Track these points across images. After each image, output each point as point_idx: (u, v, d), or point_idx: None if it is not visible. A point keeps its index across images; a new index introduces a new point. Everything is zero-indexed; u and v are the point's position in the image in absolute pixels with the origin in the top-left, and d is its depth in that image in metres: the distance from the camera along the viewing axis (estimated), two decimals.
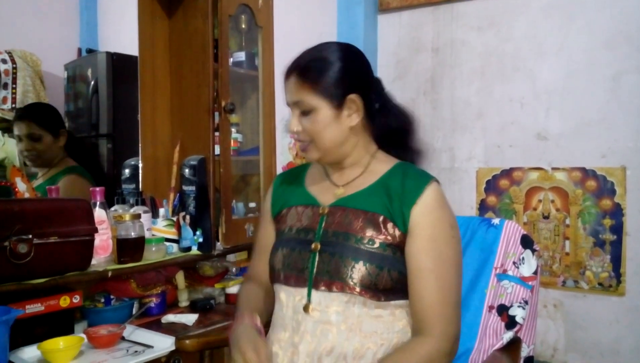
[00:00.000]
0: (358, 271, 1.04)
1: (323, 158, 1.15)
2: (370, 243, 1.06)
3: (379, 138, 1.20)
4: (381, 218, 1.08)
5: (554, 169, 2.53)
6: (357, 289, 1.04)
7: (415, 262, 1.06)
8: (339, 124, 1.12)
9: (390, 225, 1.08)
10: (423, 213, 1.06)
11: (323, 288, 1.06)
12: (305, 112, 1.11)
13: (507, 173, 2.66)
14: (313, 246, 1.10)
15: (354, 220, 1.10)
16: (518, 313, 1.40)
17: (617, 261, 2.35)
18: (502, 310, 1.41)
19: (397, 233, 1.07)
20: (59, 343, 1.27)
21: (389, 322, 1.07)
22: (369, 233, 1.07)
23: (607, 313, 2.38)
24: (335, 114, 1.10)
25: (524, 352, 1.42)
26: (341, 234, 1.09)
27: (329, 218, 1.12)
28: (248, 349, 1.03)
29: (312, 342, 1.05)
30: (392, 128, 1.19)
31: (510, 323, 1.39)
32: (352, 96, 1.11)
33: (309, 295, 1.08)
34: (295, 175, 1.28)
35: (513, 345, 1.38)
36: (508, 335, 1.38)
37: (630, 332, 2.34)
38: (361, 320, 1.05)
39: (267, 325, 1.18)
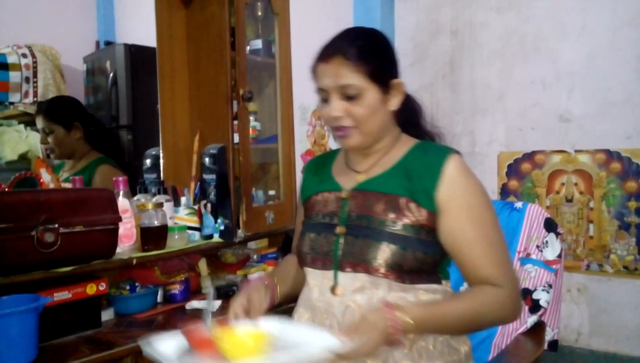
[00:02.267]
0: (382, 252, 1.05)
1: (363, 144, 1.13)
2: (393, 224, 1.07)
3: (399, 120, 1.20)
4: (403, 201, 1.08)
5: (577, 151, 2.49)
6: (382, 270, 1.05)
7: (460, 235, 1.06)
8: (385, 109, 1.12)
9: (413, 206, 1.07)
10: (450, 187, 1.06)
11: (348, 269, 1.08)
12: (351, 97, 1.07)
13: (529, 156, 2.61)
14: (338, 229, 1.12)
15: (375, 203, 1.10)
16: (542, 297, 1.39)
17: None
18: (526, 294, 1.40)
19: (423, 212, 1.07)
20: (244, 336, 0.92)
21: (413, 301, 1.07)
22: (392, 215, 1.08)
23: (633, 297, 2.34)
24: (382, 98, 1.10)
25: (548, 335, 1.41)
26: (365, 217, 1.10)
27: (351, 202, 1.13)
28: (239, 297, 1.12)
29: (341, 321, 1.06)
30: (407, 110, 1.20)
31: (534, 307, 1.38)
32: (397, 81, 1.12)
33: (335, 277, 1.09)
34: (324, 161, 1.29)
35: (537, 329, 1.37)
36: (532, 319, 1.37)
37: None
38: (386, 298, 1.05)
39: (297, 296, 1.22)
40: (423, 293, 1.08)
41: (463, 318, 1.03)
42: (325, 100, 1.11)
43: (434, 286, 1.09)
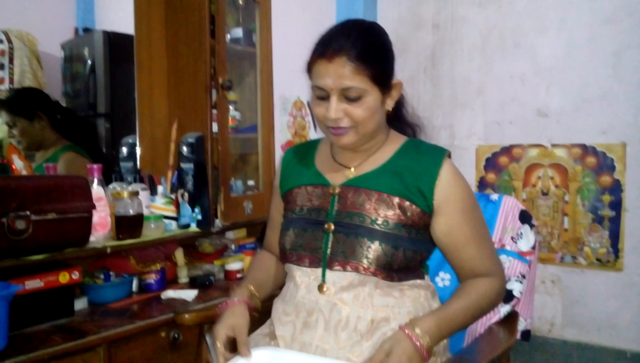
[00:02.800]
0: (374, 251, 1.04)
1: (357, 143, 1.10)
2: (385, 224, 1.06)
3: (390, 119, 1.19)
4: (396, 200, 1.07)
5: (553, 145, 2.52)
6: (372, 269, 1.04)
7: (457, 235, 1.09)
8: (383, 109, 1.10)
9: (407, 205, 1.07)
10: (447, 190, 1.08)
11: (337, 267, 1.06)
12: (352, 99, 1.03)
13: (506, 150, 2.65)
14: (326, 226, 1.09)
15: (366, 201, 1.09)
16: (515, 287, 1.40)
17: (615, 237, 2.35)
18: None
19: (416, 211, 1.07)
20: None
21: (398, 297, 1.08)
22: (383, 213, 1.07)
23: (605, 289, 2.39)
24: (382, 99, 1.07)
25: (521, 325, 1.42)
26: (355, 214, 1.08)
27: (341, 198, 1.11)
28: (222, 326, 1.07)
29: (328, 319, 1.05)
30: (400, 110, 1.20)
31: (508, 297, 1.39)
32: (397, 81, 1.10)
33: (323, 275, 1.08)
34: (305, 152, 1.25)
35: (510, 319, 1.38)
36: (505, 309, 1.38)
37: (628, 307, 2.35)
38: (372, 295, 1.06)
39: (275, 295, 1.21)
40: (407, 289, 1.09)
41: (467, 315, 1.07)
42: (321, 98, 1.06)
43: (418, 281, 1.11)
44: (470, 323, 1.13)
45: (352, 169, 1.14)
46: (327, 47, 1.03)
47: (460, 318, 1.06)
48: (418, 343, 0.97)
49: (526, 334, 1.45)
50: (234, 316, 1.09)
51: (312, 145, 1.27)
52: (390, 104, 1.11)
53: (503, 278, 1.16)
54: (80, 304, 1.51)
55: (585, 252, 2.42)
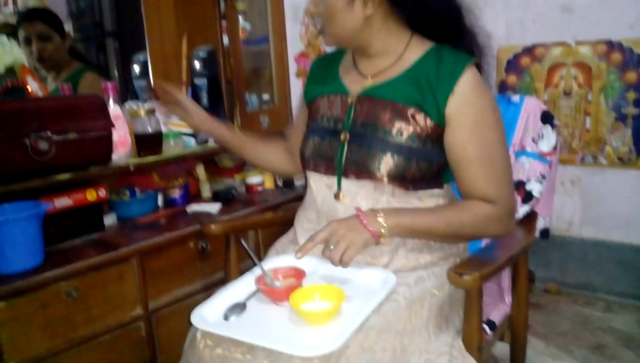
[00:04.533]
0: (386, 163, 1.04)
1: (338, 44, 1.13)
2: (399, 135, 1.05)
3: (415, 24, 1.10)
4: (411, 110, 1.05)
5: (578, 43, 2.41)
6: (385, 180, 1.05)
7: (461, 152, 1.05)
8: (352, 13, 1.05)
9: (420, 116, 1.05)
10: (461, 103, 1.03)
11: (352, 176, 1.08)
12: None
13: (529, 50, 2.54)
14: (342, 136, 1.10)
15: (381, 111, 1.07)
16: (535, 187, 1.41)
17: (638, 135, 2.30)
18: (519, 185, 1.42)
19: (429, 123, 1.04)
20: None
21: (417, 205, 1.08)
22: (398, 124, 1.05)
23: (625, 188, 2.38)
24: (347, 1, 1.04)
25: (540, 224, 1.44)
26: (369, 125, 1.07)
27: (358, 108, 1.10)
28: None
29: None
30: (429, 12, 1.08)
31: (527, 197, 1.41)
32: None
33: (339, 183, 1.09)
34: (331, 61, 1.24)
35: (529, 218, 1.40)
36: (524, 209, 1.40)
37: None
38: (390, 203, 1.07)
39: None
40: (426, 197, 1.09)
41: (445, 227, 1.04)
42: None
43: (436, 190, 1.10)
44: (447, 239, 1.09)
45: (370, 78, 1.12)
46: None
47: (434, 229, 1.04)
48: (365, 221, 0.99)
49: (545, 232, 1.48)
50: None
51: (339, 54, 1.25)
52: (368, 10, 1.04)
53: (503, 209, 1.06)
54: (110, 220, 1.57)
55: (606, 151, 2.38)
